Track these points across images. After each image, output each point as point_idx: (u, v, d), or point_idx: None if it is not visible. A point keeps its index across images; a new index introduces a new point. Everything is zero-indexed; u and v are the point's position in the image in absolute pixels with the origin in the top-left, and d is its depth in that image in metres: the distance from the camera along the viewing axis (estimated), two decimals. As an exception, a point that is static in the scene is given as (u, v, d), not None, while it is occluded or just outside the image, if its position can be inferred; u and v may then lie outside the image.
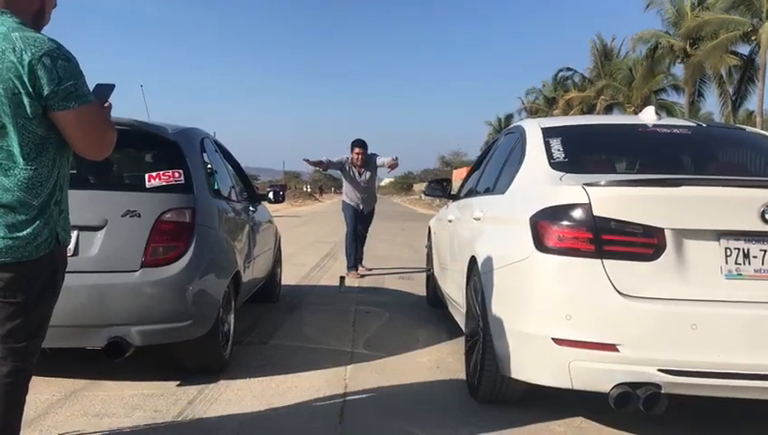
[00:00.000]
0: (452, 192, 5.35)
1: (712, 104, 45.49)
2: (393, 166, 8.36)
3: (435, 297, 5.59)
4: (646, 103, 36.84)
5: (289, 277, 7.09)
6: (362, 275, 8.15)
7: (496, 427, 3.00)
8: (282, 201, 5.84)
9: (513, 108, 72.66)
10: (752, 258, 2.66)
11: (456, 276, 4.17)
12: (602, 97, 40.22)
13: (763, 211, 2.60)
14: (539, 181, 3.23)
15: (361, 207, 8.44)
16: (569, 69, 49.93)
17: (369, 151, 8.27)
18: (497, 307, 3.12)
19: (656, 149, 3.78)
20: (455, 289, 4.29)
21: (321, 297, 6.47)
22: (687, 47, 29.69)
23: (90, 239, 3.40)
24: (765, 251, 2.66)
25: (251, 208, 5.17)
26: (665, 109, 38.65)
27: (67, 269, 2.35)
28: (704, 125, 4.23)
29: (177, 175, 3.68)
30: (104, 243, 3.40)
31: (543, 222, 2.85)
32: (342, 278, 7.09)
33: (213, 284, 3.74)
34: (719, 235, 2.68)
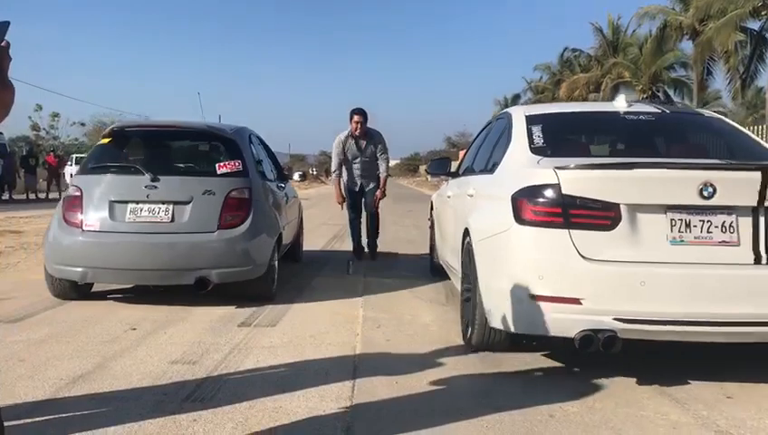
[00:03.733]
0: (451, 170, 5.81)
1: (720, 82, 45.00)
2: (379, 197, 7.80)
3: (438, 268, 6.34)
4: (654, 81, 36.60)
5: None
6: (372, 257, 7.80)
7: (506, 407, 2.97)
8: (304, 180, 8.86)
9: (519, 88, 72.17)
10: (692, 227, 3.23)
11: (454, 245, 4.77)
12: (609, 76, 39.79)
13: (701, 189, 3.16)
14: (520, 164, 3.80)
15: (359, 183, 7.76)
16: (574, 49, 49.43)
17: (370, 126, 7.63)
18: (485, 270, 3.75)
19: (624, 134, 4.51)
20: (452, 256, 4.98)
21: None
22: (696, 24, 29.30)
23: (182, 210, 5.05)
24: (703, 222, 3.22)
25: (281, 186, 6.68)
26: (676, 84, 38.33)
27: (166, 231, 4.89)
28: (668, 111, 4.53)
29: (237, 164, 5.35)
30: (192, 213, 5.05)
31: (521, 199, 3.41)
32: (349, 262, 7.05)
33: (265, 241, 5.36)
34: (665, 208, 3.24)
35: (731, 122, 4.56)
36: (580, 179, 3.29)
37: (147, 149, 5.85)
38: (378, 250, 8.07)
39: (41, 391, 3.21)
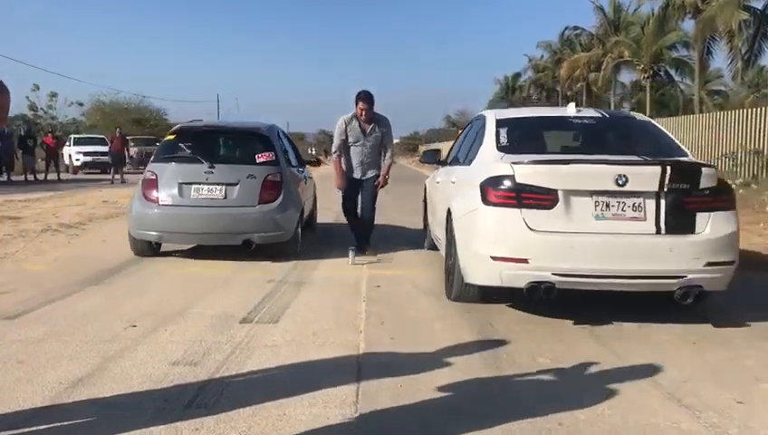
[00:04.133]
0: (441, 159, 7.16)
1: (722, 61, 44.60)
2: (381, 183, 7.40)
3: (431, 243, 7.25)
4: (656, 61, 36.31)
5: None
6: (374, 256, 7.18)
7: (514, 414, 2.91)
8: (318, 165, 9.64)
9: (520, 66, 71.64)
10: (611, 207, 4.32)
11: (441, 221, 5.90)
12: (610, 55, 39.46)
13: (617, 179, 4.23)
14: (488, 159, 4.93)
15: (358, 175, 7.32)
16: (575, 27, 48.99)
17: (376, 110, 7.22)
18: (461, 240, 4.87)
19: (570, 134, 5.70)
20: (439, 230, 6.07)
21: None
22: (699, 2, 28.97)
23: (232, 190, 6.78)
24: (619, 202, 4.30)
25: (301, 170, 8.28)
26: (678, 64, 38.00)
27: (221, 205, 6.64)
28: (607, 115, 5.99)
29: (270, 155, 7.09)
30: (239, 192, 6.78)
31: (486, 187, 4.51)
32: (350, 251, 6.94)
33: (292, 213, 7.08)
34: (591, 193, 4.32)
35: (656, 124, 5.66)
36: (528, 172, 4.38)
37: (204, 144, 7.43)
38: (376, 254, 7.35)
39: (40, 396, 3.15)
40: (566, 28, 50.79)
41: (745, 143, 17.59)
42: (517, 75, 73.51)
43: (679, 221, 4.31)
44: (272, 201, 6.79)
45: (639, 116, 6.03)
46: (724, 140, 18.93)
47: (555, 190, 4.30)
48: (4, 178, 23.33)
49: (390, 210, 11.29)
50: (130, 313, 4.71)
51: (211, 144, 7.62)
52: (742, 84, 44.04)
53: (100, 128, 47.37)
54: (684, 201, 4.32)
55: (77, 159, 29.71)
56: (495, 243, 4.41)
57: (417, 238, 8.16)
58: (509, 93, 77.00)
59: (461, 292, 4.96)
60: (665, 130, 5.46)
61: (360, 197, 7.44)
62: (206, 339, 4.10)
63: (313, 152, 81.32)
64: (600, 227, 4.29)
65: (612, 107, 44.46)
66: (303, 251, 7.37)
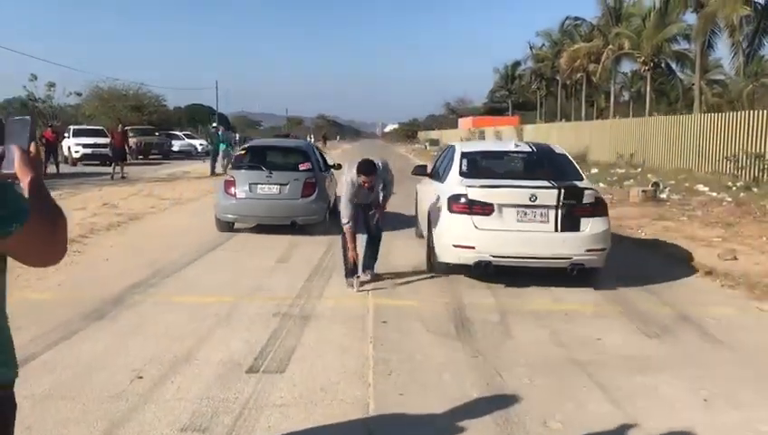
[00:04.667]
0: (427, 173, 9.31)
1: (723, 54, 44.46)
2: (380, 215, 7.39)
3: (419, 233, 9.42)
4: (656, 53, 36.13)
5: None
6: (363, 284, 6.95)
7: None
8: (339, 168, 10.55)
9: (519, 54, 71.30)
10: (527, 214, 6.71)
11: (423, 218, 8.42)
12: (610, 47, 39.25)
13: (530, 197, 6.62)
14: (453, 181, 7.32)
15: (364, 203, 7.23)
16: (576, 18, 48.67)
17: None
18: (435, 233, 7.24)
19: (509, 164, 8.38)
20: (423, 224, 8.41)
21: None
22: (701, -4, 28.78)
23: (284, 188, 10.10)
24: (531, 212, 6.71)
25: (327, 173, 11.41)
26: (678, 57, 37.81)
27: (277, 199, 10.23)
28: (534, 148, 8.37)
29: (308, 165, 10.51)
30: (288, 189, 10.10)
31: (451, 201, 6.92)
32: (353, 278, 6.88)
33: (323, 204, 10.47)
34: (514, 206, 6.71)
35: (567, 155, 8.14)
36: (476, 192, 6.85)
37: (264, 156, 11.13)
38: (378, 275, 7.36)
39: (49, 474, 3.12)
40: (567, 18, 50.53)
41: (747, 146, 17.53)
42: (516, 64, 73.14)
43: (569, 224, 6.79)
44: (310, 195, 10.14)
45: (558, 149, 8.47)
46: (726, 142, 18.87)
47: (492, 204, 6.84)
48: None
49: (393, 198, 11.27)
50: (136, 359, 4.67)
51: (269, 156, 11.24)
52: (737, 72, 43.93)
53: (98, 116, 47.16)
54: (573, 211, 6.81)
55: (76, 151, 29.54)
56: (455, 237, 6.96)
57: (411, 222, 10.57)
58: (508, 82, 76.72)
59: (434, 266, 7.48)
60: (571, 159, 8.05)
61: (365, 221, 7.36)
62: (214, 396, 4.07)
63: (312, 139, 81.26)
64: (520, 227, 6.82)
65: (612, 97, 44.34)
66: (313, 271, 7.69)
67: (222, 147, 24.73)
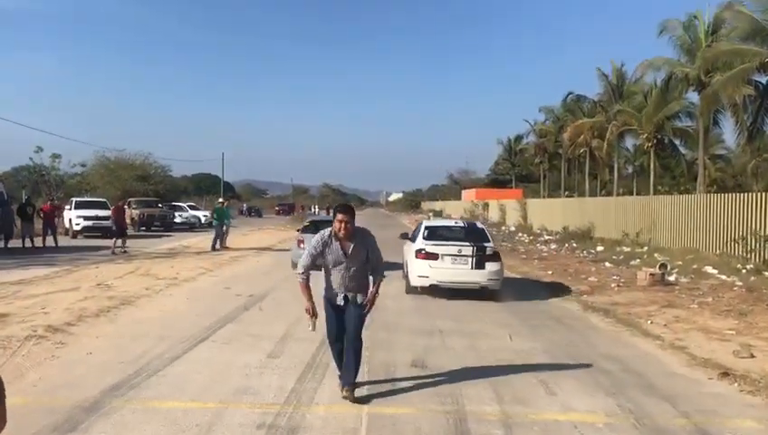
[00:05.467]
0: (409, 237, 15.22)
1: (727, 133, 44.77)
2: (369, 306, 6.43)
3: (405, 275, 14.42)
4: (659, 130, 36.32)
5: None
6: (344, 397, 6.20)
7: None
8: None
9: (522, 128, 72.09)
10: (457, 260, 12.78)
11: (404, 263, 14.53)
12: (614, 123, 39.57)
13: (459, 250, 12.78)
14: (419, 242, 13.26)
15: (341, 297, 6.32)
16: (579, 96, 49.36)
17: (359, 225, 6.45)
18: (409, 270, 13.52)
19: (451, 232, 13.91)
20: (405, 267, 14.25)
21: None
22: (702, 76, 29.09)
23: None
24: (459, 259, 12.76)
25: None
26: (681, 134, 37.97)
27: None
28: (467, 224, 14.75)
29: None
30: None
31: (417, 252, 13.01)
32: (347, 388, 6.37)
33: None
34: (450, 254, 12.77)
35: (484, 228, 14.36)
36: (430, 247, 12.83)
37: (319, 227, 12.44)
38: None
39: None
40: (569, 94, 51.24)
41: (756, 227, 17.24)
42: (519, 138, 74.02)
43: (479, 264, 12.57)
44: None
45: (479, 225, 14.76)
46: (734, 222, 18.59)
47: (438, 253, 12.64)
48: (2, 245, 23.07)
49: (385, 248, 11.07)
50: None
51: (322, 226, 12.72)
52: (743, 151, 44.06)
53: (104, 186, 47.45)
54: (481, 258, 12.55)
55: (77, 224, 29.48)
56: (418, 271, 12.83)
57: (400, 265, 15.64)
58: (511, 155, 77.41)
59: (408, 289, 13.33)
60: (486, 230, 14.12)
61: (345, 323, 6.39)
62: None
63: (316, 210, 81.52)
64: (452, 266, 12.67)
65: (616, 171, 44.45)
66: (305, 369, 7.10)
67: (227, 221, 24.75)
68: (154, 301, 11.97)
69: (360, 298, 6.37)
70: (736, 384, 7.09)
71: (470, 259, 12.59)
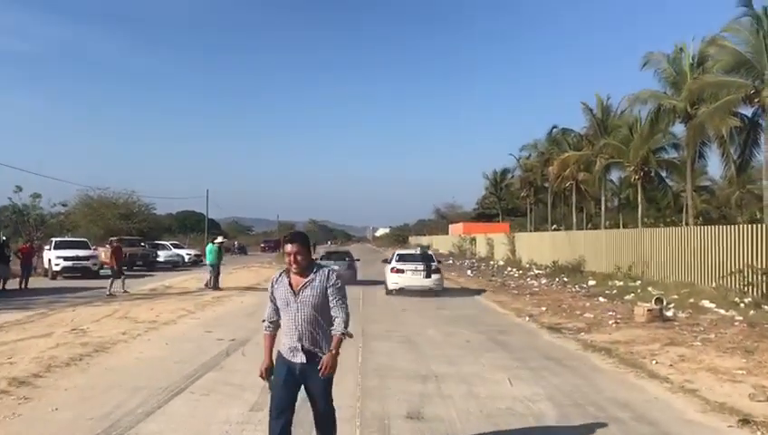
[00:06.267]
0: (387, 261, 24.64)
1: (711, 165, 44.98)
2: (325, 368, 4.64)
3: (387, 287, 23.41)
4: (645, 163, 36.22)
5: None
6: None
7: None
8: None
9: (509, 162, 72.47)
10: (415, 273, 22.14)
11: (384, 278, 24.00)
12: (601, 156, 39.53)
13: (415, 267, 22.23)
14: (393, 262, 22.99)
15: (296, 351, 4.78)
16: (564, 129, 49.50)
17: (320, 254, 5.17)
18: (387, 280, 23.19)
19: (412, 257, 23.83)
20: (386, 279, 23.48)
21: None
22: (689, 108, 29.08)
23: (340, 265, 25.81)
24: (417, 272, 22.14)
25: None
26: (667, 165, 37.94)
27: (342, 271, 24.57)
28: (421, 251, 26.50)
29: (350, 259, 29.33)
30: (342, 268, 25.82)
31: (391, 268, 22.76)
32: None
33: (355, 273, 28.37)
34: (411, 270, 22.19)
35: (432, 255, 25.76)
36: (399, 265, 22.48)
37: (329, 255, 28.69)
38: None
39: None
40: (553, 128, 51.38)
41: (752, 260, 16.88)
42: (505, 171, 74.19)
43: (429, 275, 21.88)
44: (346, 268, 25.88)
45: (430, 251, 33.51)
46: (729, 255, 18.24)
47: (404, 269, 22.10)
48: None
49: (369, 269, 16.94)
50: None
51: (330, 255, 28.52)
52: (730, 183, 44.14)
53: (87, 226, 46.58)
54: (430, 271, 22.01)
55: (56, 264, 28.68)
56: (392, 280, 22.27)
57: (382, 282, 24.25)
58: (498, 189, 77.45)
59: (388, 292, 22.45)
60: (433, 256, 25.11)
61: (307, 392, 4.90)
62: None
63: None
64: (412, 277, 21.94)
65: (603, 204, 44.35)
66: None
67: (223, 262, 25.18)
68: (131, 347, 11.28)
69: (318, 356, 4.73)
70: (759, 434, 6.55)
71: (423, 272, 21.90)
